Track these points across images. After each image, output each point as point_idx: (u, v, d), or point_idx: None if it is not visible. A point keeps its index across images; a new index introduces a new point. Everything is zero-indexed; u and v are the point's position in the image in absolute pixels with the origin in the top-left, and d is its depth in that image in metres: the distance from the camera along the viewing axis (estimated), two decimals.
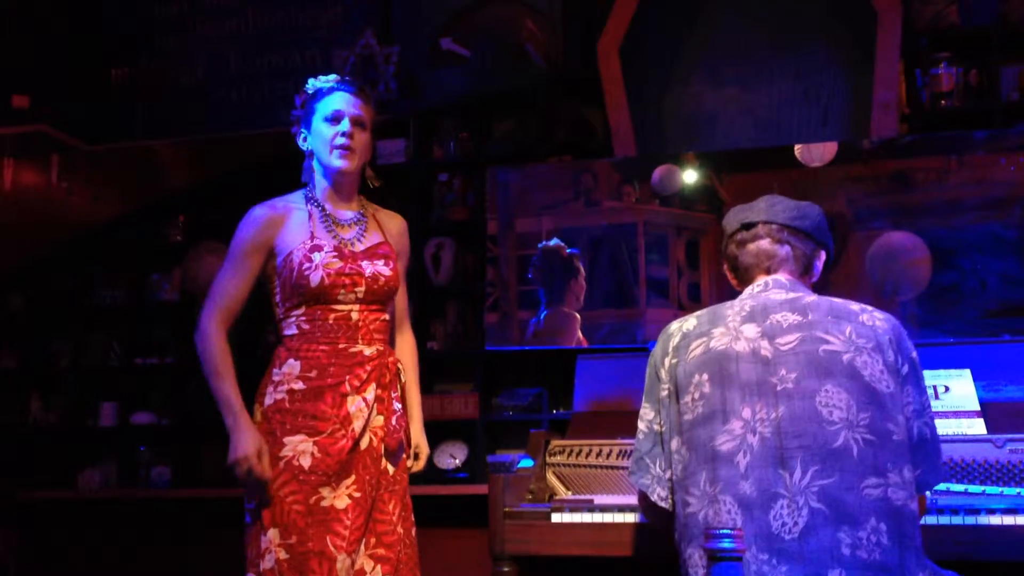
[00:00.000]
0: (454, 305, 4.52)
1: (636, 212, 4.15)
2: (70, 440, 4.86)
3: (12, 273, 5.02)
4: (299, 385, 2.43)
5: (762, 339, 2.03)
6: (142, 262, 4.96)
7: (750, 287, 2.17)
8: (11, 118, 4.70)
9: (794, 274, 2.16)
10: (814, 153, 3.92)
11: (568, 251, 4.16)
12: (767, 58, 4.32)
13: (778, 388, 1.97)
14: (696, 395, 2.03)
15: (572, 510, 2.59)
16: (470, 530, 3.91)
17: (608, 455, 2.84)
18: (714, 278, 4.05)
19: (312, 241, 2.49)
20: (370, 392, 2.46)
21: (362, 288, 2.49)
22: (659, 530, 2.16)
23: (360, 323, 2.49)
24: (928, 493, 2.11)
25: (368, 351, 2.49)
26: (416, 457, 2.63)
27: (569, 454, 2.89)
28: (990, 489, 2.53)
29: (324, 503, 2.39)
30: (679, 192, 4.11)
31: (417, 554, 2.55)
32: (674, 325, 2.17)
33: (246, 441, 2.36)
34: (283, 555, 2.35)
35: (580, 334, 4.09)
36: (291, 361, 2.46)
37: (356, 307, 2.49)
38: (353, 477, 2.42)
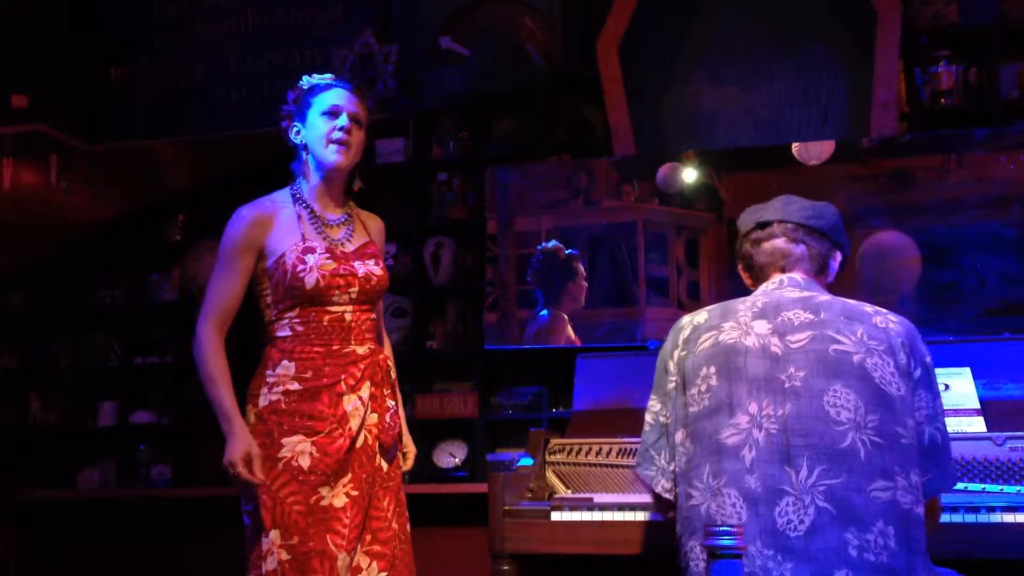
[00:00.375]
0: (454, 304, 4.51)
1: (635, 211, 4.15)
2: (70, 440, 4.86)
3: (12, 273, 5.02)
4: (295, 386, 2.43)
5: (772, 335, 2.02)
6: (142, 262, 4.96)
7: (764, 284, 2.16)
8: (10, 118, 4.69)
9: (809, 273, 2.15)
10: (812, 151, 3.91)
11: (567, 252, 4.16)
12: (767, 58, 4.31)
13: (786, 385, 1.97)
14: (703, 387, 2.02)
15: (572, 508, 2.59)
16: (470, 529, 3.91)
17: (608, 454, 2.83)
18: (713, 276, 4.06)
19: (304, 243, 2.48)
20: (365, 390, 2.46)
21: (356, 288, 2.49)
22: (672, 521, 2.14)
23: (353, 323, 2.49)
24: (940, 498, 2.10)
25: (361, 350, 2.49)
26: (404, 457, 2.63)
27: (569, 453, 2.89)
28: (990, 487, 2.53)
29: (323, 502, 2.39)
30: (680, 191, 4.12)
31: (412, 549, 2.55)
32: (685, 319, 2.17)
33: (235, 445, 2.36)
34: (285, 556, 2.35)
35: (572, 334, 4.09)
36: (285, 362, 2.45)
37: (350, 308, 2.49)
38: (350, 475, 2.42)
